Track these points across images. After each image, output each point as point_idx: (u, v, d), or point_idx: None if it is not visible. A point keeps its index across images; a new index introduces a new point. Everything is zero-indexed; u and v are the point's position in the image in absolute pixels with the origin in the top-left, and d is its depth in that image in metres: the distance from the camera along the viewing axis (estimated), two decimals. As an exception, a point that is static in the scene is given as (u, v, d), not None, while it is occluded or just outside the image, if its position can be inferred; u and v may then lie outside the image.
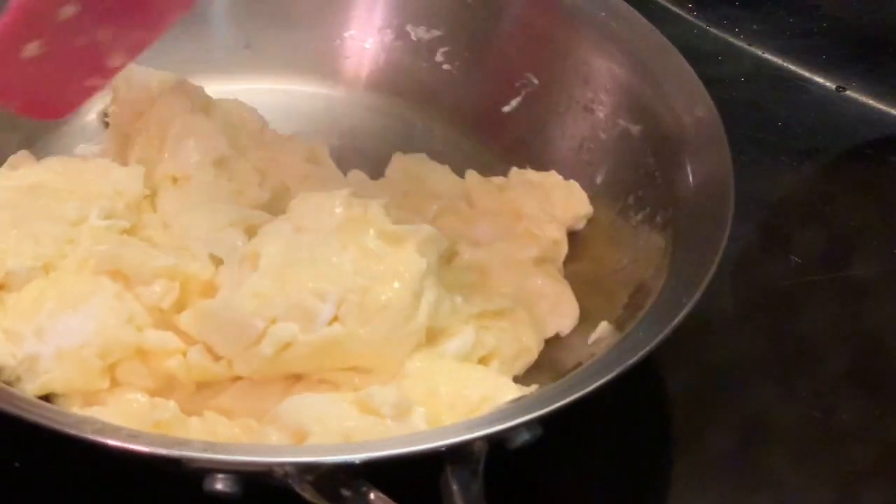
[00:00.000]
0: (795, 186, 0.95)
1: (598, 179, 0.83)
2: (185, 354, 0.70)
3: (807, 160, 0.96)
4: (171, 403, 0.68)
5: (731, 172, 0.73)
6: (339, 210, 0.73)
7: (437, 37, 0.89)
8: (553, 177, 0.84)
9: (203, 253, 0.74)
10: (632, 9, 0.85)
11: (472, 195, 0.84)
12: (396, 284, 0.70)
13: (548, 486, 0.71)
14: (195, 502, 0.60)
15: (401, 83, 0.91)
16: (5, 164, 0.80)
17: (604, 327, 0.73)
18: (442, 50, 0.89)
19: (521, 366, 0.74)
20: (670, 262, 0.72)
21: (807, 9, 1.07)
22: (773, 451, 0.76)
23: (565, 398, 0.61)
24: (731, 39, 1.05)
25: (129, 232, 0.76)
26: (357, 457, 0.59)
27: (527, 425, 0.61)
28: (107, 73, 0.75)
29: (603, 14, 0.85)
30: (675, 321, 0.65)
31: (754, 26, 1.06)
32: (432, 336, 0.71)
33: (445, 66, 0.90)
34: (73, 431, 0.59)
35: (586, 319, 0.76)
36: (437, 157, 0.87)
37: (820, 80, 1.03)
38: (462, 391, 0.68)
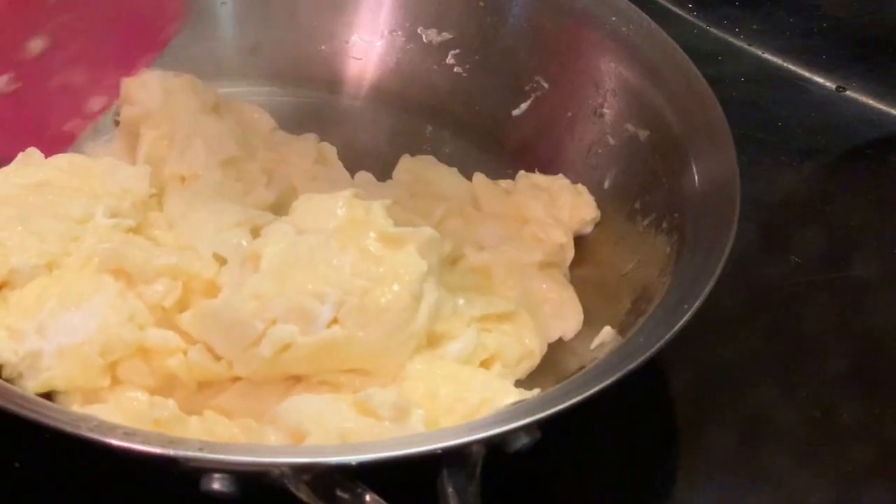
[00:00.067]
0: (795, 186, 0.94)
1: (606, 184, 0.82)
2: (186, 353, 0.69)
3: (807, 160, 0.95)
4: (171, 402, 0.67)
5: (738, 178, 0.72)
6: (340, 211, 0.71)
7: (448, 40, 0.88)
8: (560, 181, 0.83)
9: (207, 252, 0.72)
10: (641, 13, 0.84)
11: (479, 198, 0.83)
12: (396, 287, 0.68)
13: (548, 486, 0.70)
14: (194, 502, 0.59)
15: (411, 85, 0.90)
16: (14, 161, 0.78)
17: (607, 332, 0.72)
18: (453, 52, 0.88)
19: (523, 369, 0.73)
20: (674, 268, 0.71)
21: (807, 9, 1.07)
22: (773, 451, 0.75)
23: (562, 403, 0.60)
24: (731, 39, 1.05)
25: (135, 231, 0.75)
26: (353, 458, 0.57)
27: (524, 429, 0.59)
28: (87, 116, 0.76)
29: (614, 18, 0.84)
30: (676, 327, 0.64)
31: (754, 26, 1.05)
32: (433, 338, 0.70)
33: (456, 69, 0.89)
34: (69, 429, 0.58)
35: (590, 323, 0.76)
36: (446, 159, 0.86)
37: (820, 80, 1.02)
38: (462, 394, 0.67)
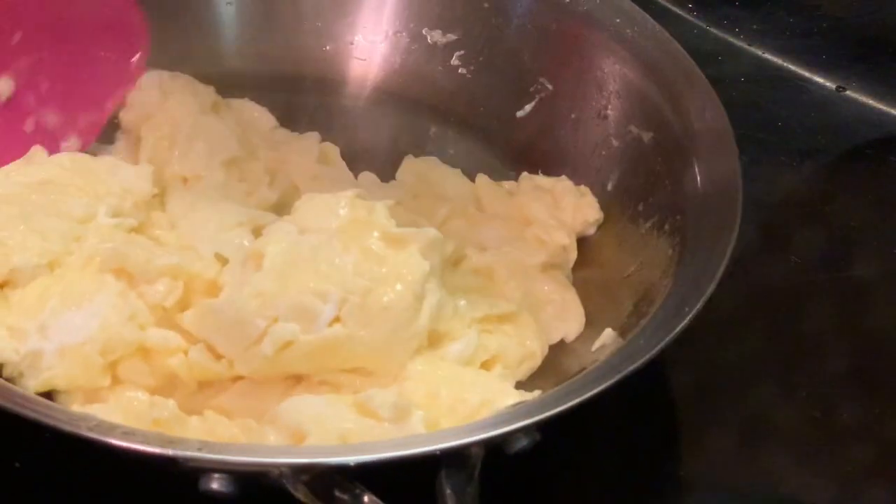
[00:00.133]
0: (795, 186, 0.93)
1: (610, 185, 0.81)
2: (186, 353, 0.68)
3: (807, 160, 0.94)
4: (171, 402, 0.66)
5: (740, 182, 0.71)
6: (342, 211, 0.71)
7: (452, 41, 0.87)
8: (564, 182, 0.82)
9: (208, 252, 0.72)
10: (646, 15, 0.83)
11: (482, 199, 0.82)
12: (398, 287, 0.68)
13: (547, 487, 0.70)
14: (194, 502, 0.58)
15: (415, 86, 0.89)
16: (17, 160, 0.77)
17: (608, 334, 0.71)
18: (458, 54, 0.87)
19: (524, 371, 0.73)
20: (676, 270, 0.70)
21: (807, 9, 1.06)
22: (773, 451, 0.74)
23: (562, 405, 0.59)
24: (731, 39, 1.04)
25: (137, 230, 0.74)
26: (351, 459, 0.57)
27: (523, 431, 0.59)
28: None
29: (618, 20, 0.83)
30: (676, 330, 0.63)
31: (754, 26, 1.04)
32: (434, 339, 0.70)
33: (461, 70, 0.88)
34: (69, 428, 0.57)
35: (592, 325, 0.75)
36: (449, 160, 0.85)
37: (820, 80, 1.01)
38: (462, 395, 0.66)
